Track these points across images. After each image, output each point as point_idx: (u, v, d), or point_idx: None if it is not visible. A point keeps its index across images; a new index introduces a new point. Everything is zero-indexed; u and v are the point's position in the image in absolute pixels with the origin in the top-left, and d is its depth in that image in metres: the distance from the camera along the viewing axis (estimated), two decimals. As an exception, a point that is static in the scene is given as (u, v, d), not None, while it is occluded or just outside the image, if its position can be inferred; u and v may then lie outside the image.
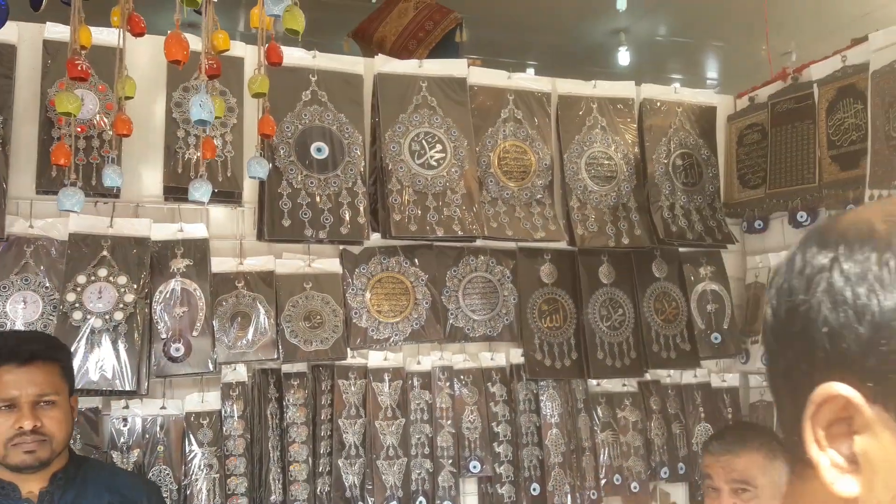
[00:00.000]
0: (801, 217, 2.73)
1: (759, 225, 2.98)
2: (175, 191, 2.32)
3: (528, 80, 2.88)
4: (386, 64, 2.68)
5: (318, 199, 2.46)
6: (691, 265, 2.96)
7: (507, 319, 2.71)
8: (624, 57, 7.35)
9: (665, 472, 2.79)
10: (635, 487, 2.73)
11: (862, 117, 2.47)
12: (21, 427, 1.68)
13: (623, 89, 2.98)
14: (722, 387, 2.97)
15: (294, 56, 2.51)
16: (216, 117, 1.75)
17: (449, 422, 2.57)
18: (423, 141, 2.65)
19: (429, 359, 2.62)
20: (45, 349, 1.79)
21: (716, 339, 2.90)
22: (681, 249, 2.95)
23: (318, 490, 2.38)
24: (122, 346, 2.18)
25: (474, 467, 2.57)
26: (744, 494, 1.84)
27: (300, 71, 2.55)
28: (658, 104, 3.01)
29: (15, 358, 1.71)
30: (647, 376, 2.84)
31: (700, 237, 2.90)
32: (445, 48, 3.58)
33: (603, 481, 2.71)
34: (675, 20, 7.18)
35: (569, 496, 2.63)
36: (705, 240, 2.91)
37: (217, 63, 1.62)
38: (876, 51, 2.42)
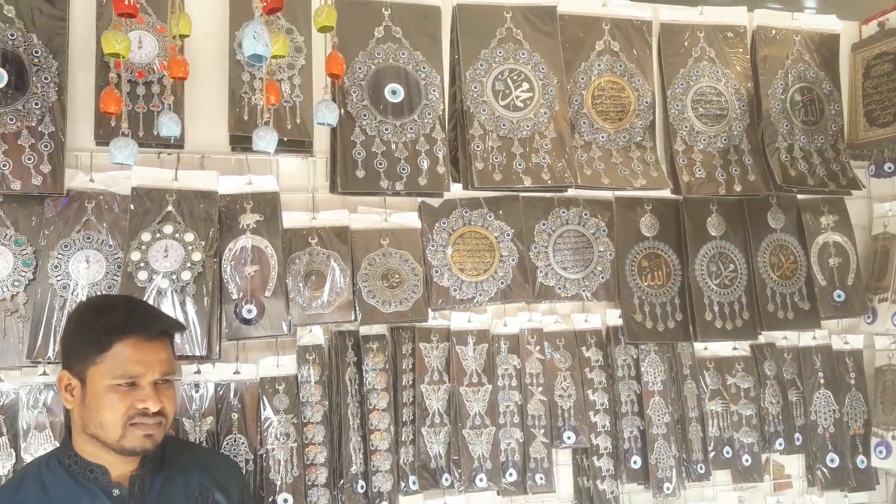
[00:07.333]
0: (947, 158, 2.38)
1: (890, 168, 2.67)
2: (242, 140, 2.13)
3: (625, 6, 2.57)
4: (466, -6, 2.41)
5: (393, 147, 2.24)
6: (811, 214, 2.66)
7: (602, 277, 2.45)
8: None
9: (780, 444, 2.52)
10: (747, 460, 2.48)
11: None
12: (146, 408, 1.53)
13: (733, 16, 2.65)
14: (844, 349, 2.67)
15: (366, -13, 2.28)
16: (279, 56, 1.54)
17: (540, 389, 2.36)
18: (508, 79, 2.38)
19: (516, 320, 2.40)
20: (175, 323, 1.68)
21: (839, 296, 2.59)
22: (799, 197, 2.65)
23: (401, 460, 2.22)
24: (190, 308, 2.03)
25: (569, 438, 2.36)
26: None
27: (372, 4, 2.30)
28: (773, 32, 2.67)
29: (144, 331, 1.55)
30: (761, 339, 2.56)
31: (822, 182, 2.59)
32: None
33: (711, 454, 2.46)
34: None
35: (673, 470, 2.40)
36: (828, 185, 2.59)
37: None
38: None
